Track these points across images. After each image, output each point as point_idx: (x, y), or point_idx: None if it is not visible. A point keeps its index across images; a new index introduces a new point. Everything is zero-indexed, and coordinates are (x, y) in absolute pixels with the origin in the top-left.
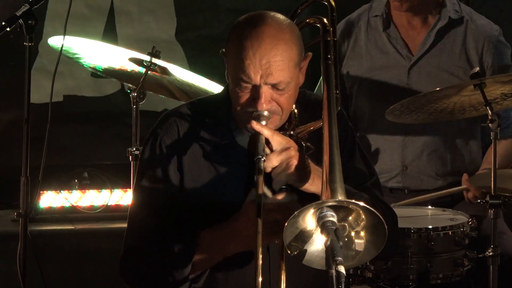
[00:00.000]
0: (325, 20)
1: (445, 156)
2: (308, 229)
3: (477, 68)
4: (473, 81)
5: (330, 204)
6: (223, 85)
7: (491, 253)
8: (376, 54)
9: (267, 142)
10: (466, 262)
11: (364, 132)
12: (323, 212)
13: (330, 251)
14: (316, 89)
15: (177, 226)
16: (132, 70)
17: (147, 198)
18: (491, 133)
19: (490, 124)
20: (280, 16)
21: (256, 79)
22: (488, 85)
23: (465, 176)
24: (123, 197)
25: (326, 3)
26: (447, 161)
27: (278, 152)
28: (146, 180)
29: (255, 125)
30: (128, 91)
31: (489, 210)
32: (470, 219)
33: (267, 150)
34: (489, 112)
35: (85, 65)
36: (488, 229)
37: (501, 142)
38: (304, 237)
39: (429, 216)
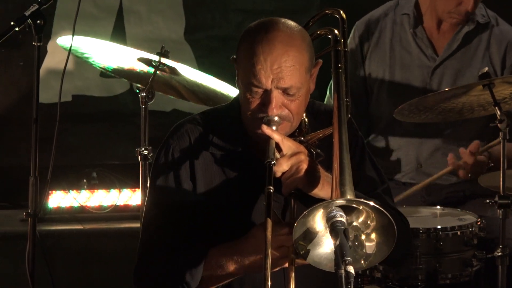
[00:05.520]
0: (336, 31)
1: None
2: (317, 230)
3: (486, 68)
4: (482, 81)
5: (339, 204)
6: (232, 85)
7: (500, 253)
8: (400, 51)
9: (278, 147)
10: (475, 262)
11: (383, 130)
12: (332, 212)
13: (339, 251)
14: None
15: (190, 235)
16: (141, 70)
17: (160, 208)
18: (500, 133)
19: (499, 124)
20: (291, 23)
21: (267, 83)
22: (497, 85)
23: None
24: (132, 197)
25: (337, 16)
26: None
27: (288, 157)
28: (158, 189)
29: (265, 129)
30: (137, 91)
31: (498, 210)
32: (479, 219)
33: (277, 155)
34: (498, 112)
35: (94, 65)
36: (496, 230)
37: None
38: (313, 238)
39: (437, 216)
